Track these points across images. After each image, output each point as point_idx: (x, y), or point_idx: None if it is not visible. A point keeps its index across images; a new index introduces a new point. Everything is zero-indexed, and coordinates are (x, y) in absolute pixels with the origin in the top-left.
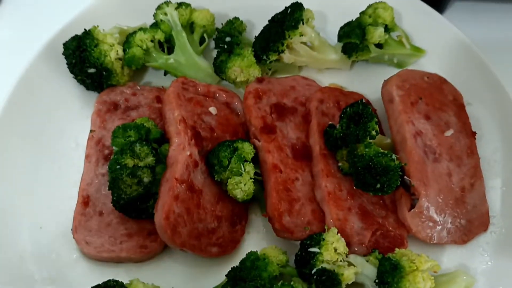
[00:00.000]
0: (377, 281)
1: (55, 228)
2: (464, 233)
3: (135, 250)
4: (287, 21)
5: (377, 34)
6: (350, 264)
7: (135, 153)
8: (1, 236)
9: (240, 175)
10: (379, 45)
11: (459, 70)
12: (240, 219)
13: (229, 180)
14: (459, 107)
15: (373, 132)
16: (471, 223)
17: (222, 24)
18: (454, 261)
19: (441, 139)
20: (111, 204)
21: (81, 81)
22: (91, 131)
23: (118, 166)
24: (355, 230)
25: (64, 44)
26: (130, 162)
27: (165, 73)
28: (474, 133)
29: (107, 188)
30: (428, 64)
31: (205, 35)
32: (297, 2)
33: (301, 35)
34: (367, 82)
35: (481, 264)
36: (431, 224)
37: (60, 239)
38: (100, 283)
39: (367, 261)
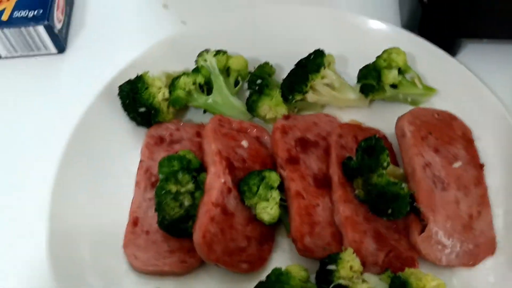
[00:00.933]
0: None
1: (110, 244)
2: (472, 256)
3: (177, 265)
4: (310, 66)
5: (391, 76)
6: (364, 281)
7: (178, 180)
8: (68, 251)
9: (267, 200)
10: (394, 86)
11: (469, 109)
12: (267, 240)
13: (257, 205)
14: (468, 141)
15: (385, 163)
16: (479, 248)
17: (254, 67)
18: (462, 283)
19: (449, 170)
20: (157, 225)
21: (133, 118)
22: (140, 161)
23: (163, 192)
24: (370, 251)
25: (119, 87)
26: (173, 188)
27: (204, 111)
28: (482, 165)
29: (153, 211)
30: (440, 102)
31: (239, 78)
32: (319, 49)
33: (323, 77)
34: (383, 118)
35: (488, 285)
36: (440, 247)
37: (113, 253)
38: None
39: (380, 279)
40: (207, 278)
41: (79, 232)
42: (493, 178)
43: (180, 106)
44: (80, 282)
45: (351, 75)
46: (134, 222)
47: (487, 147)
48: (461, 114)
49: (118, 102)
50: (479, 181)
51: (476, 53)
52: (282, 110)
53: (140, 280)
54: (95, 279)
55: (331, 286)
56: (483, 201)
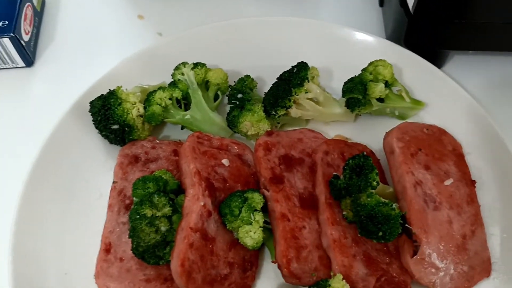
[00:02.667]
0: None
1: (79, 274)
2: (467, 279)
3: None
4: (293, 79)
5: (377, 89)
6: None
7: (153, 203)
8: (30, 282)
9: (250, 224)
10: (380, 99)
11: (458, 122)
12: (251, 266)
13: (240, 228)
14: (459, 156)
15: (374, 183)
16: (474, 269)
17: (234, 81)
18: None
19: (441, 188)
20: (131, 251)
21: (106, 136)
22: (113, 182)
23: (138, 216)
24: (360, 276)
25: (90, 103)
26: (148, 212)
27: (182, 128)
28: (473, 182)
29: (127, 236)
30: (428, 116)
31: (219, 92)
32: (302, 62)
33: (307, 91)
34: (370, 133)
35: None
36: (433, 270)
37: (84, 284)
38: None
39: None
40: None
41: (45, 261)
42: (485, 195)
43: (156, 123)
44: None
45: (336, 88)
46: (107, 248)
47: (478, 162)
48: (450, 128)
49: (89, 119)
50: (472, 199)
51: (463, 64)
52: (265, 126)
53: None
54: None
55: None
56: (476, 220)
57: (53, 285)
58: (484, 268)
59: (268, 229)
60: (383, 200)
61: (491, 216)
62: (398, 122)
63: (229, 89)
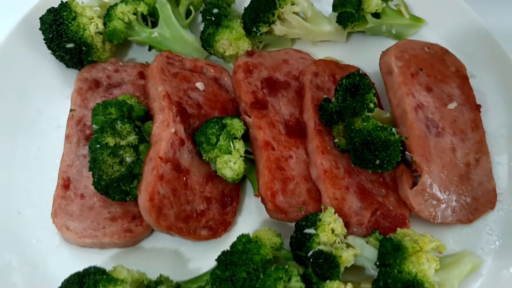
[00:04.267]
0: (378, 263)
1: (35, 213)
2: (470, 211)
3: (119, 235)
4: None
5: (374, 2)
6: (348, 245)
7: (116, 131)
8: None
9: (230, 153)
10: (376, 15)
11: (461, 41)
12: (231, 201)
13: (217, 159)
14: (462, 79)
15: (371, 105)
16: (477, 201)
17: None
18: (459, 242)
19: (444, 112)
20: (94, 188)
21: (60, 58)
22: (71, 110)
23: (98, 145)
24: (354, 210)
25: (40, 19)
26: (111, 140)
27: (150, 48)
28: (478, 106)
29: (88, 170)
30: (428, 35)
31: (191, 8)
32: None
33: (293, 4)
34: (364, 55)
35: (489, 244)
36: (434, 202)
37: (40, 224)
38: (81, 270)
39: (367, 242)
40: (159, 250)
41: None
42: (490, 122)
43: (119, 41)
44: None
45: (326, 3)
46: (65, 184)
47: (483, 86)
48: (452, 48)
49: (40, 38)
50: (477, 125)
51: None
52: (245, 45)
53: (76, 255)
54: (16, 256)
55: (310, 253)
56: (481, 148)
57: (4, 225)
58: (489, 200)
59: (250, 160)
60: (380, 124)
61: (497, 144)
62: (394, 42)
63: (203, 4)
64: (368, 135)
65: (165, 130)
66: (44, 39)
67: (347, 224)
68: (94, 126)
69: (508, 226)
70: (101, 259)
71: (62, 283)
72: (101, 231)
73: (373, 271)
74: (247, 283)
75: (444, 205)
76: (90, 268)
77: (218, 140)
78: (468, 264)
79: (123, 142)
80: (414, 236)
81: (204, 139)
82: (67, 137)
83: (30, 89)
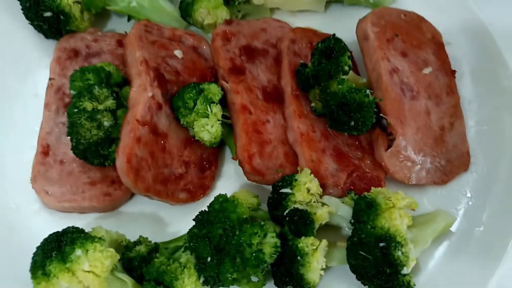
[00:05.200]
0: (352, 221)
1: (13, 179)
2: (444, 173)
3: (98, 198)
4: None
5: None
6: (324, 204)
7: (93, 95)
8: None
9: (207, 117)
10: None
11: (437, 9)
12: (209, 165)
13: (195, 122)
14: (438, 45)
15: (346, 67)
16: (451, 163)
17: None
18: (434, 203)
19: (419, 77)
20: (73, 153)
21: (38, 28)
22: (50, 79)
23: (76, 110)
24: (330, 172)
25: None
26: (88, 105)
27: (129, 19)
28: (453, 72)
29: (67, 137)
30: (405, 4)
31: None
32: None
33: None
34: (342, 25)
35: (462, 204)
36: (409, 164)
37: (19, 191)
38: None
39: (343, 202)
40: (139, 214)
41: None
42: (465, 87)
43: (97, 11)
44: None
45: None
46: (44, 151)
47: (458, 53)
48: (429, 16)
49: (18, 7)
50: (451, 90)
51: None
52: (223, 14)
53: (56, 219)
54: None
55: (286, 211)
56: (456, 112)
57: None
58: (462, 162)
59: (228, 125)
60: (355, 86)
61: (471, 109)
62: None
63: None
64: (343, 97)
65: (142, 94)
66: (21, 9)
67: (323, 186)
68: (72, 92)
69: (480, 187)
70: (80, 224)
71: (41, 242)
72: (80, 195)
73: (348, 230)
74: (223, 240)
75: (419, 166)
76: (68, 228)
77: (195, 104)
78: (441, 222)
79: (100, 107)
80: (387, 194)
81: (182, 103)
82: (46, 105)
83: (9, 59)
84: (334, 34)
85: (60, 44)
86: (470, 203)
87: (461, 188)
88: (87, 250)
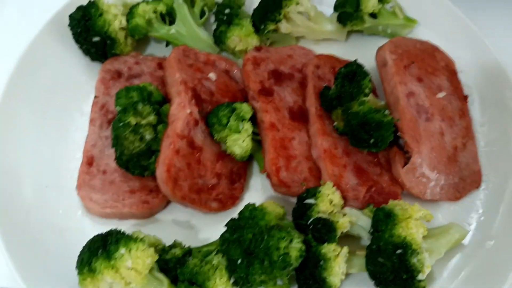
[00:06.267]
0: (371, 230)
1: (61, 187)
2: (457, 190)
3: (137, 206)
4: None
5: (371, 3)
6: (345, 215)
7: (137, 111)
8: (6, 195)
9: (239, 132)
10: (373, 15)
11: (450, 40)
12: (239, 177)
13: (228, 137)
14: (451, 72)
15: (367, 90)
16: (464, 181)
17: None
18: (448, 217)
19: (434, 101)
20: (115, 164)
21: (86, 51)
22: (95, 97)
23: (120, 124)
24: (350, 186)
25: (70, 16)
26: (132, 120)
27: (167, 44)
28: (466, 97)
29: (110, 150)
30: (421, 35)
31: (205, 9)
32: None
33: (297, 3)
34: (362, 52)
35: (474, 219)
36: (424, 180)
37: (66, 196)
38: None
39: (363, 213)
40: (172, 222)
41: (22, 174)
42: (476, 111)
43: (139, 36)
44: (25, 230)
45: (327, 5)
46: (89, 162)
47: (470, 80)
48: (443, 46)
49: (69, 34)
50: (464, 113)
51: None
52: (253, 41)
53: (95, 225)
54: (44, 226)
55: (310, 221)
56: (468, 133)
57: (33, 197)
58: (474, 180)
59: (257, 141)
60: (375, 107)
61: (482, 131)
62: None
63: (216, 5)
64: (363, 117)
65: (181, 110)
66: (72, 34)
67: (344, 199)
68: (117, 108)
69: (491, 203)
70: (120, 229)
71: (86, 243)
72: (121, 202)
73: (367, 240)
74: (253, 243)
75: (434, 183)
76: (111, 230)
77: (228, 121)
78: (455, 235)
79: (143, 121)
80: (404, 206)
81: (216, 120)
82: (91, 120)
83: (60, 80)
84: (356, 60)
85: (105, 66)
86: (481, 218)
87: (473, 204)
88: (130, 249)
